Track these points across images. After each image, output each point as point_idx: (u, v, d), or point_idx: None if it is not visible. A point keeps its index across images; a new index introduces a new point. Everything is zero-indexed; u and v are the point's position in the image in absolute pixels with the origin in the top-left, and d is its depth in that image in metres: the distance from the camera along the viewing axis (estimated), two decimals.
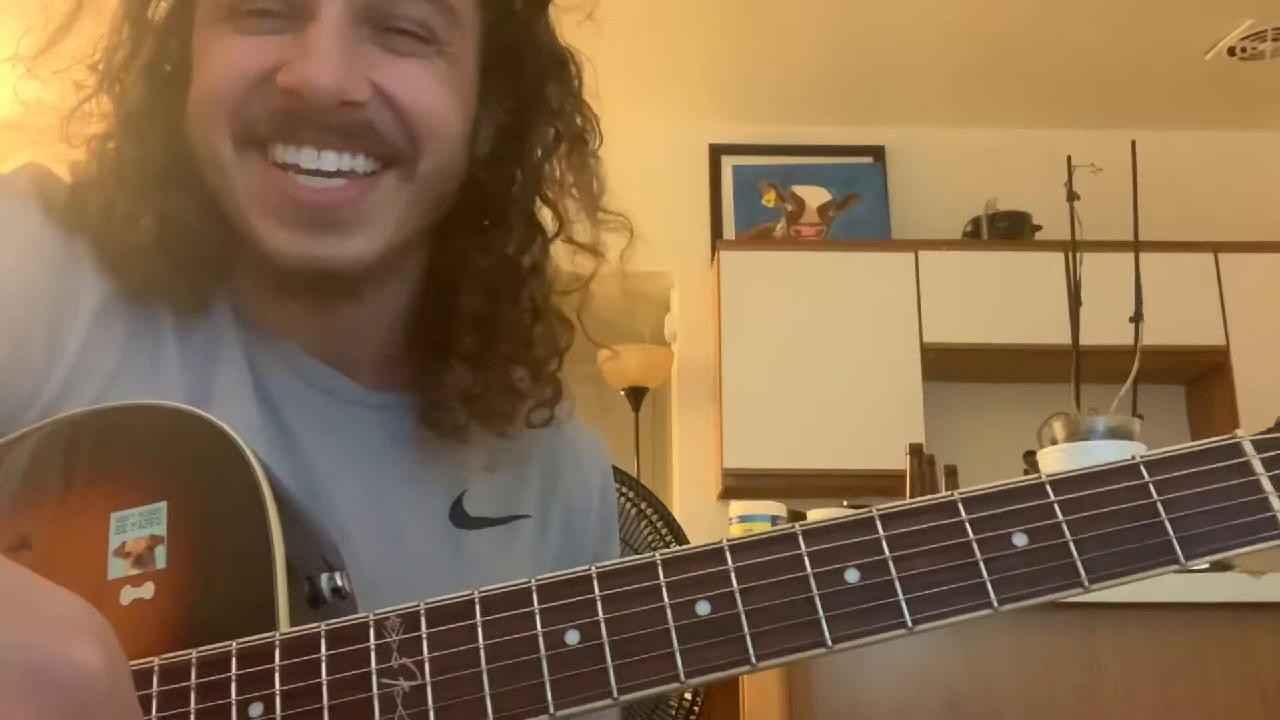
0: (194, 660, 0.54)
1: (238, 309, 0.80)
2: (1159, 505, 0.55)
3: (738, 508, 2.62)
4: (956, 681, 1.56)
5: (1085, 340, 2.07)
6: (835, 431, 3.69)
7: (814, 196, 4.24)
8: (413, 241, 0.81)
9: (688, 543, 1.67)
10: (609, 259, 0.89)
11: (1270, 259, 3.87)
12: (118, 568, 0.60)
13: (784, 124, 4.27)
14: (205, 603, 0.59)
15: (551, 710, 0.52)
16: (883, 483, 3.08)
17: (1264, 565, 1.58)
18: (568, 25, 0.87)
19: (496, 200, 0.85)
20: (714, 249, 4.08)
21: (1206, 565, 1.56)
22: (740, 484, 3.65)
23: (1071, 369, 2.02)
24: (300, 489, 0.73)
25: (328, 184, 0.74)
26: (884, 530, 0.55)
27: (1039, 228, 4.00)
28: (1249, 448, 0.56)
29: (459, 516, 0.84)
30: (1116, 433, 1.80)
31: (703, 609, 0.54)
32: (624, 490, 1.93)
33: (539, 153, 0.86)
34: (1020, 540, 0.54)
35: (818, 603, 0.53)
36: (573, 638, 0.54)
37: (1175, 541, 0.54)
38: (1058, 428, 1.84)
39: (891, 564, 0.54)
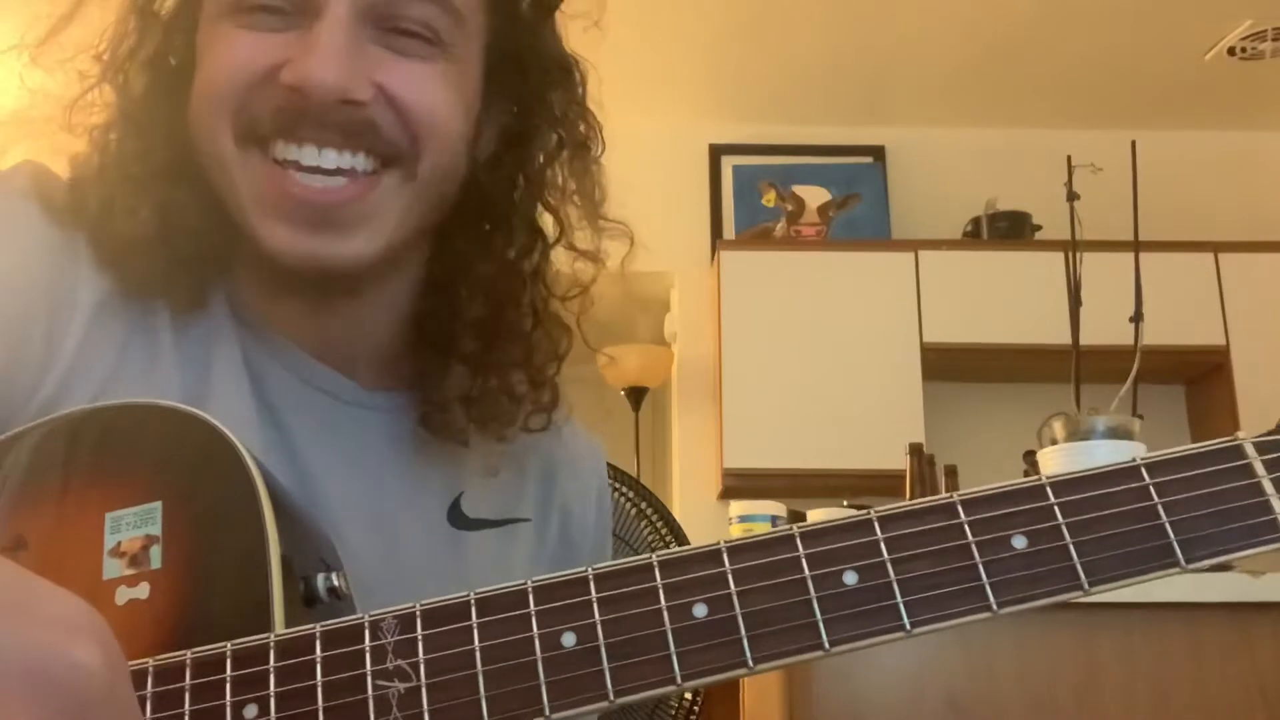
0: (189, 661, 0.54)
1: (235, 307, 0.80)
2: (1160, 508, 0.54)
3: (738, 508, 2.62)
4: (956, 681, 1.56)
5: (1085, 340, 2.07)
6: (835, 431, 3.69)
7: (814, 196, 4.24)
8: (413, 241, 0.81)
9: (687, 543, 1.67)
10: (609, 265, 0.89)
11: (1270, 259, 3.87)
12: (113, 568, 0.60)
13: (784, 124, 4.27)
14: (200, 603, 0.59)
15: (547, 712, 0.52)
16: (883, 483, 3.08)
17: (1264, 565, 1.57)
18: (573, 30, 0.87)
19: (498, 204, 0.85)
20: (714, 249, 4.08)
21: (1208, 566, 1.56)
22: (740, 484, 3.65)
23: (1071, 369, 2.01)
24: (297, 488, 0.73)
25: (328, 182, 0.74)
26: (882, 532, 0.55)
27: (1039, 228, 4.00)
28: (1250, 450, 0.55)
29: (456, 517, 0.84)
30: (1116, 433, 1.79)
31: (700, 611, 0.53)
32: (624, 490, 1.93)
33: (541, 158, 0.86)
34: (1020, 542, 0.54)
35: (815, 605, 0.53)
36: (569, 640, 0.53)
37: (1176, 544, 0.54)
38: (1058, 428, 1.84)
39: (890, 566, 0.54)
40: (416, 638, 0.54)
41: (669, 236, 4.09)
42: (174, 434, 0.65)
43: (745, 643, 0.53)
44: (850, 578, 0.54)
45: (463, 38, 0.78)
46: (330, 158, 0.74)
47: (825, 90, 4.12)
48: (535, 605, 0.54)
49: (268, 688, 0.53)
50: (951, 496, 0.55)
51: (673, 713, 1.88)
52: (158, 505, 0.61)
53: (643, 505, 1.96)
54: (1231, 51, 3.84)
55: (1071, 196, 2.15)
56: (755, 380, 3.79)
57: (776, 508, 2.59)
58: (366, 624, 0.55)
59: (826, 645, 0.53)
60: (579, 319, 0.89)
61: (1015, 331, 3.75)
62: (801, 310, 3.85)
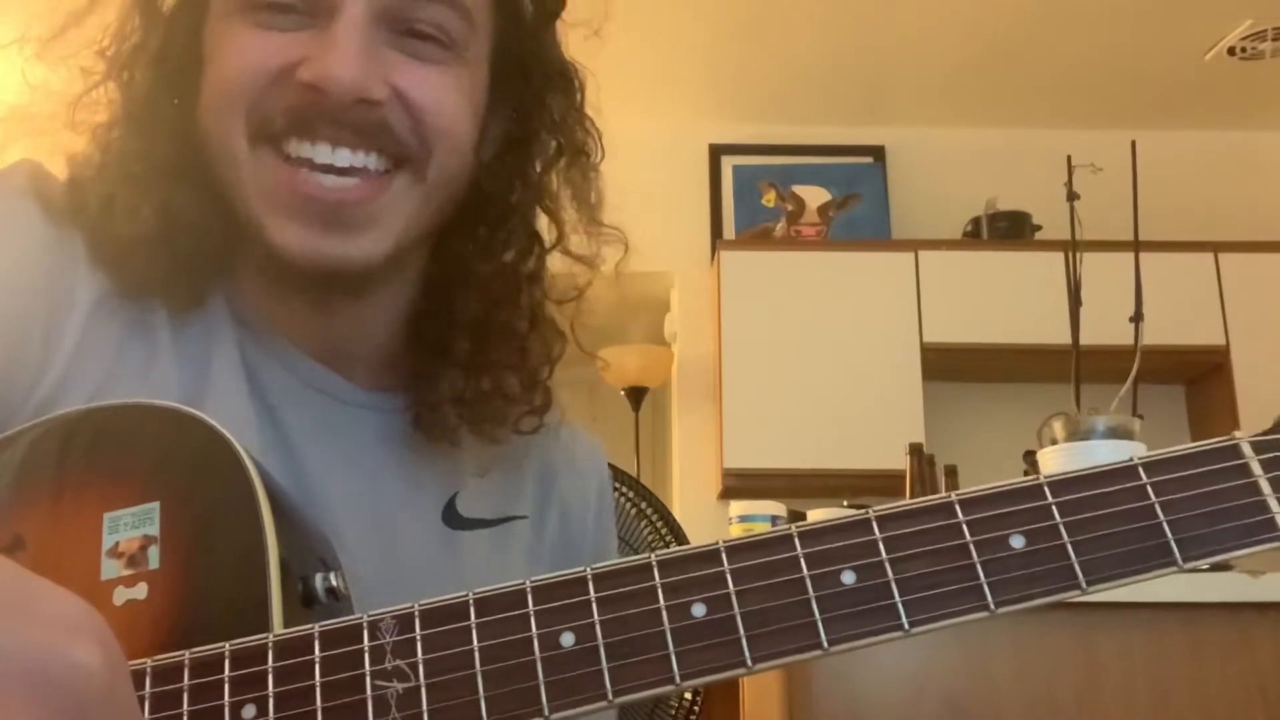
0: (187, 661, 0.54)
1: (233, 307, 0.80)
2: (1157, 507, 0.55)
3: (738, 508, 2.62)
4: (956, 682, 1.56)
5: (1085, 340, 2.07)
6: (835, 431, 3.69)
7: (814, 196, 4.24)
8: (416, 243, 0.81)
9: (688, 543, 1.67)
10: (604, 269, 0.89)
11: (1270, 259, 3.86)
12: (111, 568, 0.60)
13: (784, 124, 4.27)
14: (198, 603, 0.59)
15: (547, 712, 0.52)
16: (883, 483, 3.08)
17: (1264, 565, 1.57)
18: (573, 38, 0.88)
19: (497, 207, 0.86)
20: (714, 249, 4.08)
21: (1206, 565, 1.56)
22: (740, 484, 3.65)
23: (1071, 369, 2.02)
24: (294, 488, 0.73)
25: (340, 182, 0.74)
26: (880, 532, 0.55)
27: (1039, 228, 4.00)
28: (1247, 449, 0.55)
29: (452, 517, 0.84)
30: (1116, 433, 1.79)
31: (698, 610, 0.53)
32: (624, 490, 1.93)
33: (540, 163, 0.87)
34: (1018, 542, 0.54)
35: (814, 604, 0.53)
36: (568, 639, 0.53)
37: (1173, 543, 0.54)
38: (1058, 428, 1.84)
39: (888, 565, 0.54)
40: (415, 638, 0.54)
41: (669, 236, 4.09)
42: (172, 434, 0.65)
43: (744, 642, 0.53)
44: (848, 577, 0.54)
45: (474, 41, 0.79)
46: (344, 156, 0.74)
47: (825, 90, 4.12)
48: (534, 605, 0.54)
49: (266, 688, 0.53)
50: (949, 496, 0.55)
51: (672, 713, 1.88)
52: (156, 505, 0.61)
53: (643, 505, 1.97)
54: (1231, 51, 3.84)
55: (1071, 196, 2.15)
56: (755, 380, 3.79)
57: (776, 508, 2.59)
58: (365, 624, 0.55)
59: (825, 645, 0.53)
60: (573, 323, 0.89)
61: (1015, 331, 3.75)
62: (801, 310, 3.85)
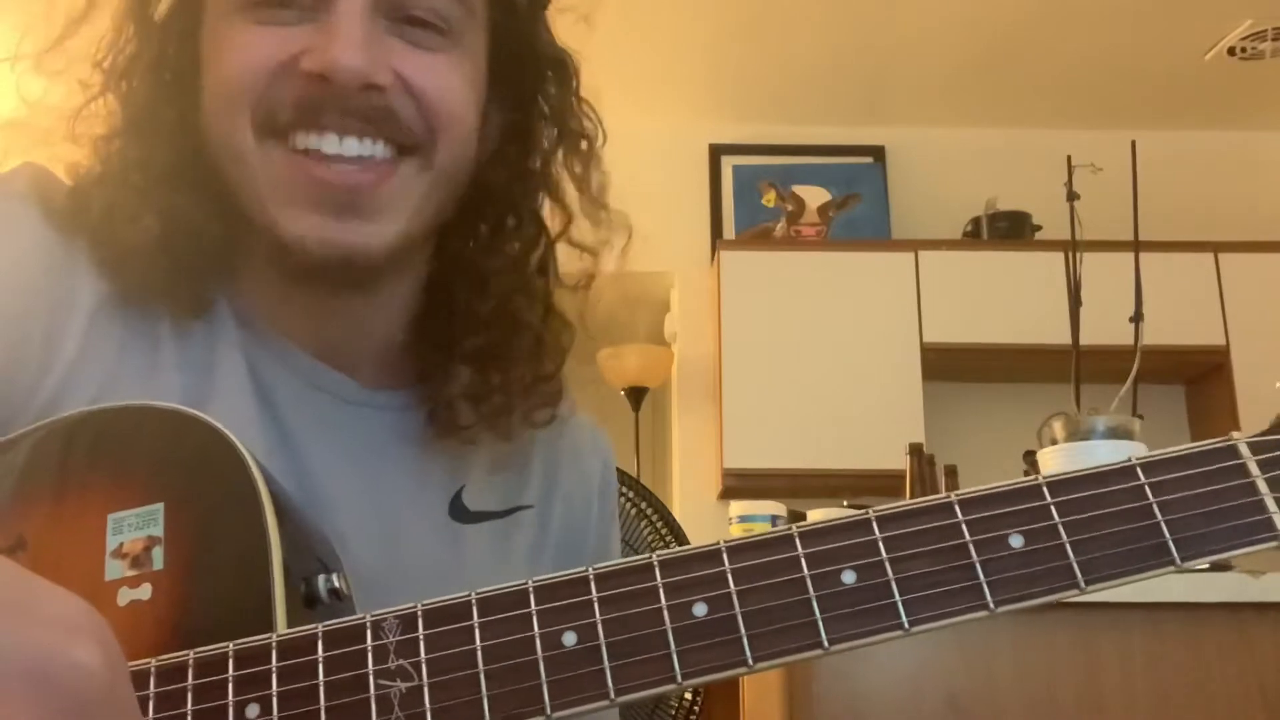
0: (191, 661, 0.54)
1: (237, 310, 0.80)
2: (1155, 507, 0.55)
3: (738, 508, 2.62)
4: (956, 681, 1.56)
5: (1085, 340, 2.07)
6: (835, 431, 3.69)
7: (814, 196, 4.24)
8: (422, 236, 0.81)
9: (688, 543, 1.67)
10: (609, 259, 0.89)
11: (1270, 259, 3.86)
12: (115, 569, 0.60)
13: (784, 124, 4.27)
14: (202, 604, 0.59)
15: (549, 712, 0.52)
16: (883, 483, 3.08)
17: (1264, 565, 1.58)
18: (566, 27, 0.88)
19: (500, 199, 0.86)
20: (714, 249, 4.08)
21: (1206, 565, 1.56)
22: (740, 484, 3.65)
23: (1071, 369, 2.02)
24: (298, 489, 0.74)
25: (350, 168, 0.74)
26: (881, 532, 0.55)
27: (1039, 228, 4.00)
28: (1245, 449, 0.56)
29: (459, 511, 0.84)
30: (1116, 433, 1.80)
31: (700, 610, 0.54)
32: (624, 490, 1.93)
33: (540, 153, 0.87)
34: (1017, 541, 0.54)
35: (814, 604, 0.53)
36: (570, 639, 0.54)
37: (1171, 543, 0.54)
38: (1058, 428, 1.84)
39: (888, 565, 0.54)
40: (418, 637, 0.54)
41: (669, 236, 4.09)
42: (175, 436, 0.65)
43: (745, 641, 0.53)
44: (849, 577, 0.54)
45: (472, 27, 0.79)
46: (351, 145, 0.74)
47: (825, 90, 4.12)
48: (536, 605, 0.55)
49: (270, 687, 0.54)
50: (949, 496, 0.55)
51: (673, 712, 1.88)
52: (159, 507, 0.61)
53: (643, 505, 1.97)
54: (1231, 51, 3.84)
55: (1071, 196, 2.15)
56: (755, 380, 3.79)
57: (776, 508, 2.60)
58: (368, 624, 0.55)
59: (825, 644, 0.53)
60: (581, 313, 0.90)
61: (1015, 331, 3.75)
62: (801, 310, 3.85)
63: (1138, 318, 2.00)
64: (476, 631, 0.54)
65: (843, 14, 3.69)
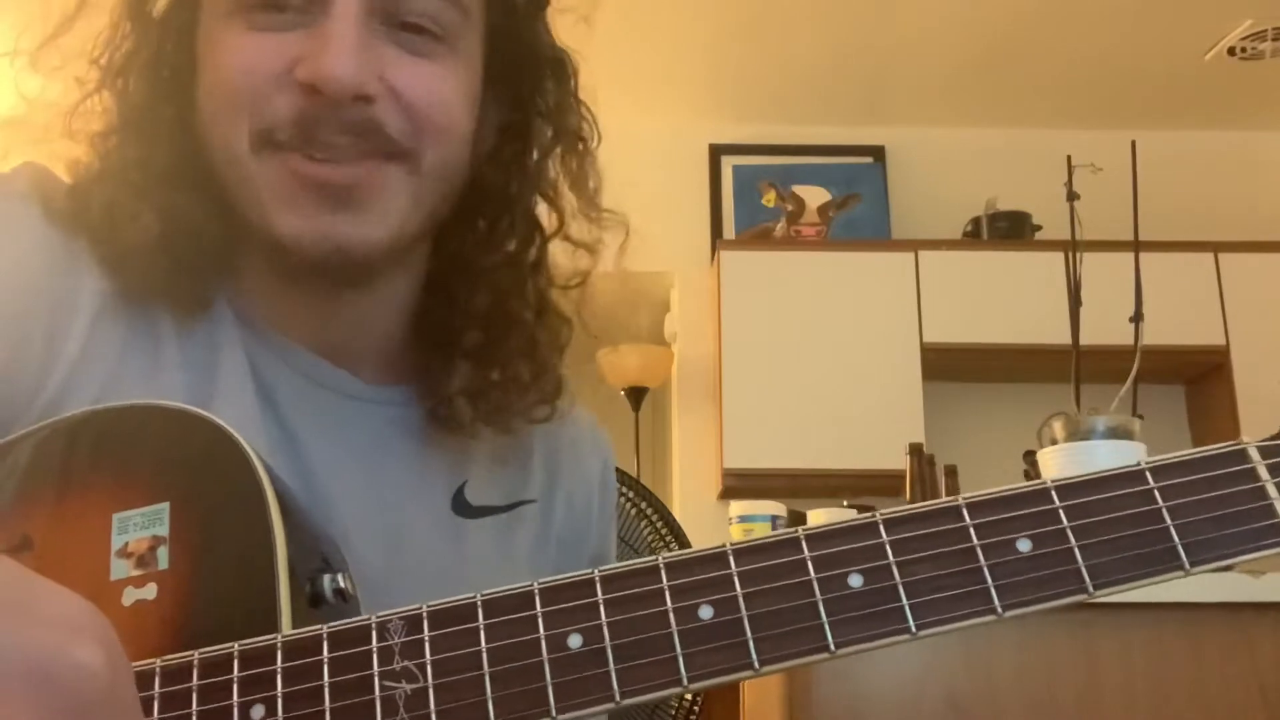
0: (196, 662, 0.54)
1: (238, 308, 0.80)
2: (1164, 512, 0.55)
3: (738, 508, 2.62)
4: (956, 682, 1.56)
5: (1085, 340, 2.07)
6: (835, 431, 3.69)
7: (814, 196, 4.24)
8: (419, 235, 0.81)
9: (688, 543, 1.67)
10: (607, 257, 0.89)
11: (1270, 259, 3.87)
12: (120, 568, 0.60)
13: (784, 124, 4.27)
14: (207, 604, 0.59)
15: (554, 714, 0.52)
16: (883, 483, 3.08)
17: (1264, 565, 1.57)
18: (566, 26, 0.88)
19: (497, 197, 0.86)
20: (714, 249, 4.08)
21: (1211, 569, 1.56)
22: (740, 484, 3.65)
23: (1071, 369, 2.02)
24: (302, 487, 0.74)
25: (339, 165, 0.74)
26: (888, 535, 0.55)
27: (1039, 228, 4.00)
28: (1254, 454, 0.56)
29: (461, 506, 0.84)
30: (1116, 433, 1.80)
31: (705, 613, 0.54)
32: (624, 490, 1.93)
33: (537, 151, 0.87)
34: (1025, 546, 0.54)
35: (821, 607, 0.53)
36: (575, 641, 0.54)
37: (1180, 548, 0.54)
38: (1058, 428, 1.84)
39: (895, 569, 0.54)
40: (423, 639, 0.54)
41: (669, 236, 4.09)
42: (180, 435, 0.65)
43: (751, 645, 0.53)
44: (856, 580, 0.54)
45: (468, 31, 0.79)
46: (340, 154, 0.74)
47: (825, 90, 4.12)
48: (541, 607, 0.55)
49: (275, 688, 0.54)
50: (957, 499, 0.55)
51: (673, 713, 1.88)
52: (165, 506, 0.61)
53: (643, 505, 1.97)
54: (1231, 51, 3.84)
55: (1071, 196, 2.15)
56: (755, 380, 3.79)
57: (777, 508, 2.60)
58: (374, 625, 0.55)
59: (832, 647, 0.53)
60: (579, 309, 0.90)
61: (1015, 331, 3.76)
62: (801, 310, 3.85)
63: (1138, 318, 2.00)
64: (482, 633, 0.54)
65: (843, 14, 3.69)
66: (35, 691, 0.41)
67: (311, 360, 0.81)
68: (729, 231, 4.23)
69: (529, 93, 0.86)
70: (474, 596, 0.55)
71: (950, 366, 3.86)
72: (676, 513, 2.10)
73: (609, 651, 0.53)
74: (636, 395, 4.26)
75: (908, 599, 0.53)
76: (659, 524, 1.98)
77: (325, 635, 0.55)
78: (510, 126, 0.86)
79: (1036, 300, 3.63)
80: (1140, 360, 1.94)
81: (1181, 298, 3.67)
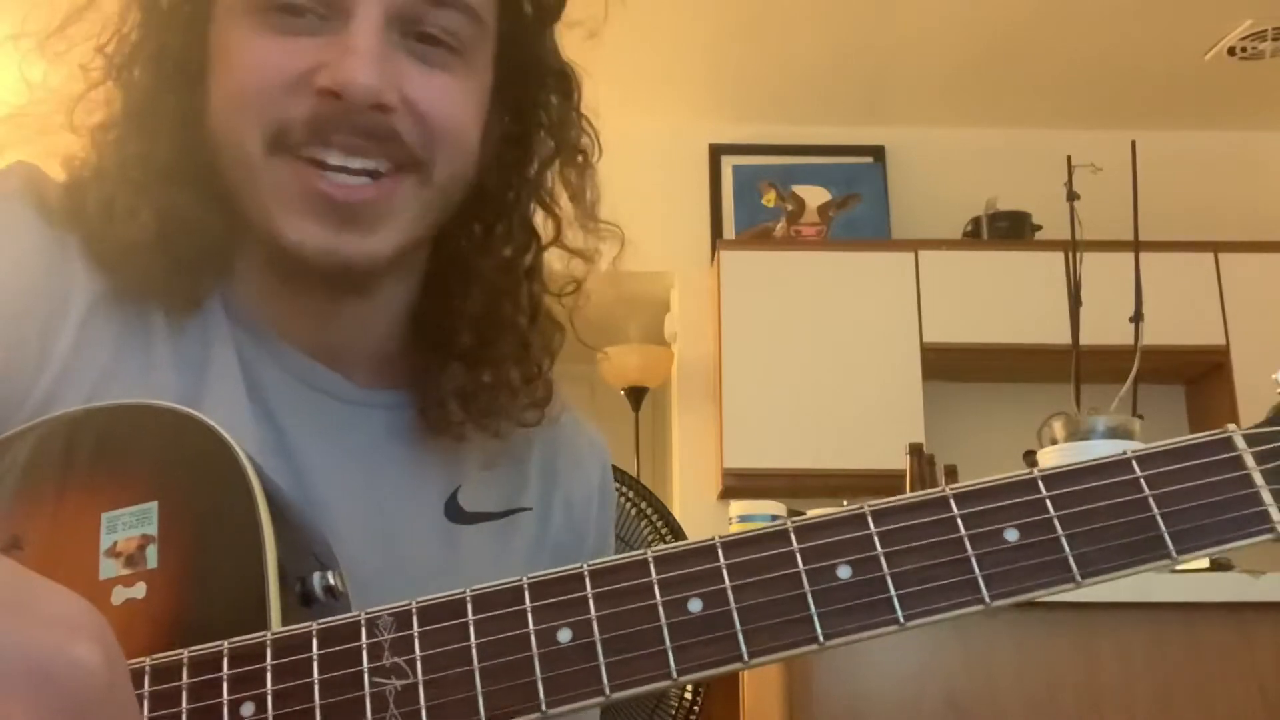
0: (185, 660, 0.54)
1: (230, 308, 0.80)
2: (1151, 500, 0.55)
3: (738, 508, 2.61)
4: (956, 681, 1.56)
5: (1085, 340, 2.08)
6: (835, 431, 3.69)
7: (814, 196, 4.24)
8: (420, 242, 0.81)
9: None
10: (603, 266, 0.89)
11: (1270, 259, 3.86)
12: (109, 568, 0.60)
13: (784, 124, 4.27)
14: (197, 602, 0.59)
15: (544, 708, 0.52)
16: (883, 483, 3.06)
17: (1264, 565, 1.58)
18: (572, 38, 0.88)
19: (496, 204, 0.86)
20: (714, 249, 4.08)
21: (1206, 564, 1.56)
22: (740, 484, 3.65)
23: (1071, 369, 2.02)
24: (292, 487, 0.73)
25: (352, 180, 0.74)
26: (875, 526, 0.55)
27: (1039, 228, 4.00)
28: (1240, 442, 0.56)
29: (454, 512, 0.84)
30: (1116, 432, 1.80)
31: (695, 606, 0.54)
32: (624, 490, 1.93)
33: (538, 161, 0.87)
34: (1012, 535, 0.54)
35: (809, 599, 0.53)
36: (565, 636, 0.54)
37: (1167, 536, 0.54)
38: (1058, 427, 1.84)
39: (883, 560, 0.54)
40: (413, 635, 0.54)
41: (669, 236, 4.09)
42: (169, 434, 0.65)
43: (740, 637, 0.53)
44: (844, 571, 0.54)
45: (483, 45, 0.79)
46: (355, 162, 0.74)
47: (825, 90, 4.12)
48: (531, 601, 0.55)
49: (264, 686, 0.54)
50: (944, 490, 0.55)
51: (673, 711, 1.88)
52: (154, 505, 0.61)
53: (643, 505, 1.97)
54: (1231, 51, 3.84)
55: (1071, 196, 2.15)
56: (755, 380, 3.79)
57: (776, 508, 2.59)
58: (363, 621, 0.55)
59: (821, 639, 0.53)
60: (572, 316, 0.90)
61: (1015, 331, 3.75)
62: (801, 310, 3.85)
63: (1138, 318, 2.00)
64: (471, 628, 0.54)
65: (843, 14, 3.69)
66: (35, 690, 0.41)
67: (305, 362, 0.81)
68: (729, 231, 4.23)
69: (532, 105, 0.86)
70: (463, 592, 0.55)
71: (950, 366, 3.86)
72: (676, 513, 2.10)
73: (598, 645, 0.53)
74: (636, 395, 4.26)
75: (896, 590, 0.53)
76: (659, 524, 1.98)
77: (315, 632, 0.55)
78: (512, 136, 0.86)
79: (1036, 300, 3.63)
80: (1140, 360, 1.94)
81: (1181, 298, 3.67)
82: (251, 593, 0.58)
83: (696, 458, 3.99)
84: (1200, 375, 3.98)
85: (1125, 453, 0.55)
